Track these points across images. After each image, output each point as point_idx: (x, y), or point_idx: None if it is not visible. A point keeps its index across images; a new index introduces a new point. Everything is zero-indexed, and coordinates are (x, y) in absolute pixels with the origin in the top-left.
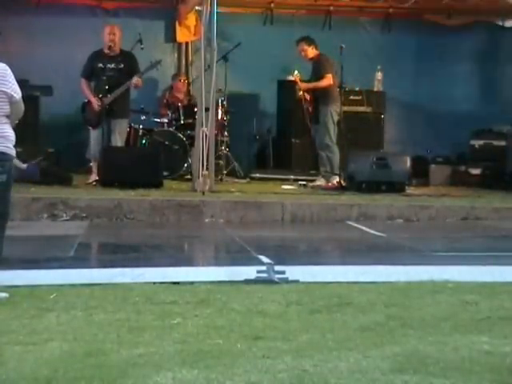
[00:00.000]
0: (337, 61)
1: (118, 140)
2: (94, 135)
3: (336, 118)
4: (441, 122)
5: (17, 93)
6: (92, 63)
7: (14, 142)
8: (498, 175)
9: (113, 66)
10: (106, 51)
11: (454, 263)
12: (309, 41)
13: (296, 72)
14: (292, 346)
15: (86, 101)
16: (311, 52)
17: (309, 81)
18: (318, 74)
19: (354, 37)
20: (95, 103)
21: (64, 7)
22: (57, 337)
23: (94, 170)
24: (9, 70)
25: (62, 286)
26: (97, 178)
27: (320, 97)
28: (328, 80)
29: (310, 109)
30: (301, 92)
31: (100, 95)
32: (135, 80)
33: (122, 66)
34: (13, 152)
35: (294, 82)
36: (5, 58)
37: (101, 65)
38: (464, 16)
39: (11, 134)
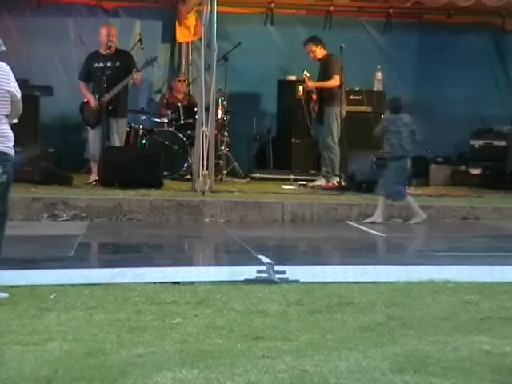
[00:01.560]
0: None
1: (117, 140)
2: (93, 135)
3: (340, 119)
4: (441, 122)
5: (18, 91)
6: (88, 64)
7: (13, 142)
8: (498, 175)
9: (109, 64)
10: (104, 51)
11: (454, 263)
12: (316, 41)
13: (305, 71)
14: (292, 346)
15: (85, 101)
16: (320, 52)
17: (317, 81)
18: (326, 75)
19: (354, 37)
20: (93, 102)
21: (64, 7)
22: (57, 337)
23: (94, 170)
24: (9, 69)
25: (62, 285)
26: (97, 178)
27: (326, 98)
28: (336, 81)
29: (316, 108)
30: (301, 92)
31: (98, 94)
32: (135, 75)
33: (119, 63)
34: (13, 152)
35: (302, 81)
36: (5, 58)
37: (97, 65)
38: (465, 16)
39: (11, 134)
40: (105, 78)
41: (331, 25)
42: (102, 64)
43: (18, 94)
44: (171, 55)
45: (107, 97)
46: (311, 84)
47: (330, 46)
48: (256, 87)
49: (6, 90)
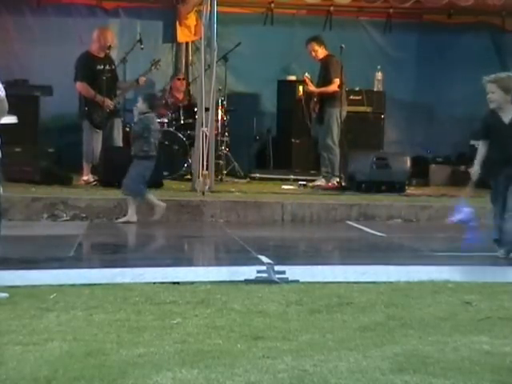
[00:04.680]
0: None
1: (120, 139)
2: (99, 137)
3: (340, 120)
4: (441, 122)
5: (1, 90)
6: (90, 66)
7: None
8: None
9: (107, 67)
10: (101, 54)
11: (454, 263)
12: (319, 41)
13: (306, 73)
14: (292, 346)
15: (87, 104)
16: (321, 52)
17: (318, 82)
18: (326, 78)
19: (354, 37)
20: (109, 104)
21: (64, 7)
22: (57, 337)
23: (88, 171)
24: None
25: (62, 286)
26: (92, 179)
27: (327, 99)
28: (335, 86)
29: (317, 109)
30: (301, 92)
31: (111, 96)
32: (141, 81)
33: (113, 67)
34: None
35: (303, 82)
36: (5, 58)
37: (99, 67)
38: (465, 16)
39: None
40: (104, 79)
41: (331, 25)
42: (102, 66)
43: (1, 93)
44: (171, 55)
45: (119, 98)
46: (312, 88)
47: (330, 46)
48: (256, 87)
49: None
